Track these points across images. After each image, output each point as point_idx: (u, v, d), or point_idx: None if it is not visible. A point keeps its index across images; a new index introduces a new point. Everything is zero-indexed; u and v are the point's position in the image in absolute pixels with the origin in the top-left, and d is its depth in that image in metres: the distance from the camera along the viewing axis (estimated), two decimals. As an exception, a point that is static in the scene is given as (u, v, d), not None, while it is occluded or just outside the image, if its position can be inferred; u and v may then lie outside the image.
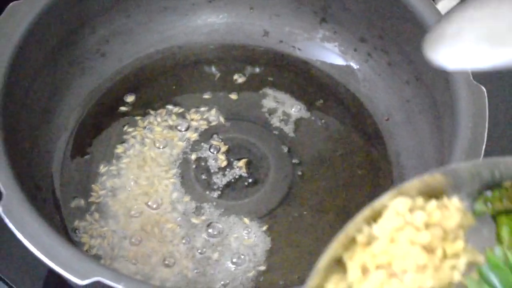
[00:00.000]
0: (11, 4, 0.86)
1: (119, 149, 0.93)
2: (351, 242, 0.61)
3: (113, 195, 0.89)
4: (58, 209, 0.88)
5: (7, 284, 0.88)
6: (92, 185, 0.90)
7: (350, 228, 0.60)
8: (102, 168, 0.91)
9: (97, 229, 0.86)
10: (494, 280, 0.58)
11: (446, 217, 0.59)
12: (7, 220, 0.72)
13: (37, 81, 0.89)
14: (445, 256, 0.58)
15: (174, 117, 0.96)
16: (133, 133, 0.94)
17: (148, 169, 0.91)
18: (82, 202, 0.89)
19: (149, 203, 0.89)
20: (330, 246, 0.59)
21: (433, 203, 0.60)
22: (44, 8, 0.87)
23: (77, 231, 0.86)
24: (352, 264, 0.60)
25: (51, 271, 0.86)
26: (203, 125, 0.95)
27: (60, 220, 0.87)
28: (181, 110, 0.97)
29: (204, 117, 0.96)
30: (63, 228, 0.86)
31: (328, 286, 0.59)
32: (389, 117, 0.97)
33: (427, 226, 0.59)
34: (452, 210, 0.59)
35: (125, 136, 0.94)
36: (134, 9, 0.99)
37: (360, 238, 0.60)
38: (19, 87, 0.85)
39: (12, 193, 0.74)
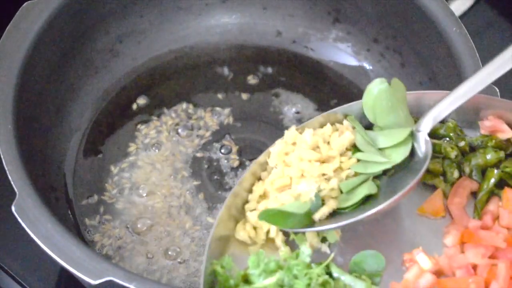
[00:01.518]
0: (25, 4, 0.87)
1: (132, 148, 0.93)
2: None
3: (125, 195, 0.89)
4: (70, 209, 0.88)
5: (19, 283, 0.88)
6: (105, 184, 0.90)
7: (255, 167, 0.72)
8: (115, 168, 0.91)
9: (109, 228, 0.87)
10: None
11: (341, 137, 0.72)
12: (20, 220, 0.72)
13: (50, 81, 0.90)
14: (341, 168, 0.71)
15: (186, 117, 0.96)
16: (145, 133, 0.94)
17: (160, 168, 0.91)
18: (94, 201, 0.89)
19: (161, 203, 0.89)
20: (243, 177, 0.71)
21: (328, 126, 0.73)
22: (57, 8, 0.88)
23: (89, 230, 0.87)
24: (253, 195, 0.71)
25: (63, 271, 0.87)
26: (215, 125, 0.95)
27: (72, 219, 0.87)
28: (193, 110, 0.97)
29: (217, 117, 0.96)
30: (76, 227, 0.87)
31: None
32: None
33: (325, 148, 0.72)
34: (344, 130, 0.72)
35: (137, 136, 0.94)
36: (147, 9, 0.99)
37: (263, 174, 0.72)
38: (32, 87, 0.86)
39: (25, 193, 0.74)
